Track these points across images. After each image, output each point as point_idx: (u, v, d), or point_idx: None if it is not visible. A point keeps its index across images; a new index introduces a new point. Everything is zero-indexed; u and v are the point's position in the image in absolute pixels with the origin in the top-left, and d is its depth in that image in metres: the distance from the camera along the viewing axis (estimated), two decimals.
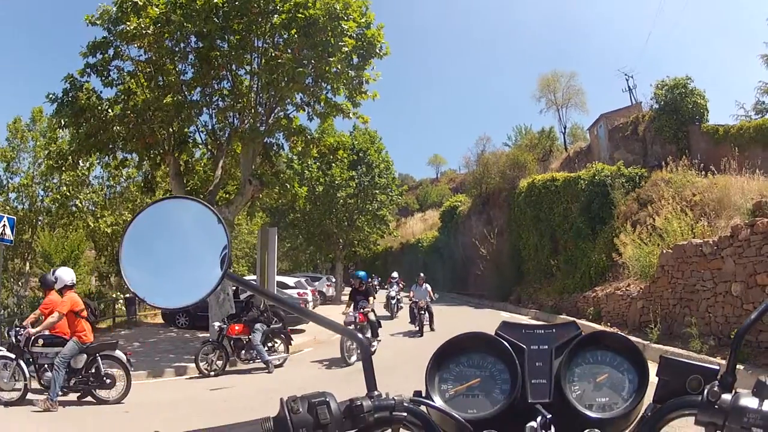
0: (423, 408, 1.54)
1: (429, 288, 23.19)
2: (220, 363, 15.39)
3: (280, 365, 15.84)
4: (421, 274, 25.16)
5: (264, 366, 15.35)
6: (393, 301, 29.23)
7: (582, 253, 25.99)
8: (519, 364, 1.61)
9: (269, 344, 16.04)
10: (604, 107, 68.12)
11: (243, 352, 15.71)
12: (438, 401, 1.61)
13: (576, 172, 30.38)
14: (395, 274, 31.04)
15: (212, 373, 15.14)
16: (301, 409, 1.37)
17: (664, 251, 16.97)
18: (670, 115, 29.42)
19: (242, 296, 16.90)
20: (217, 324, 16.28)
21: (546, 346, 1.66)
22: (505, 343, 1.67)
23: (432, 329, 21.78)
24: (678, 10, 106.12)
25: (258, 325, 15.65)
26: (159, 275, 1.51)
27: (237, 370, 15.64)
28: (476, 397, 1.64)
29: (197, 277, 1.48)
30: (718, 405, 1.37)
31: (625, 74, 42.77)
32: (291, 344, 16.66)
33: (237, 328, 15.67)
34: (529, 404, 1.57)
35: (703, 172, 22.59)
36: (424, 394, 1.61)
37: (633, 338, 14.95)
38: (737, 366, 1.45)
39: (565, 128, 52.53)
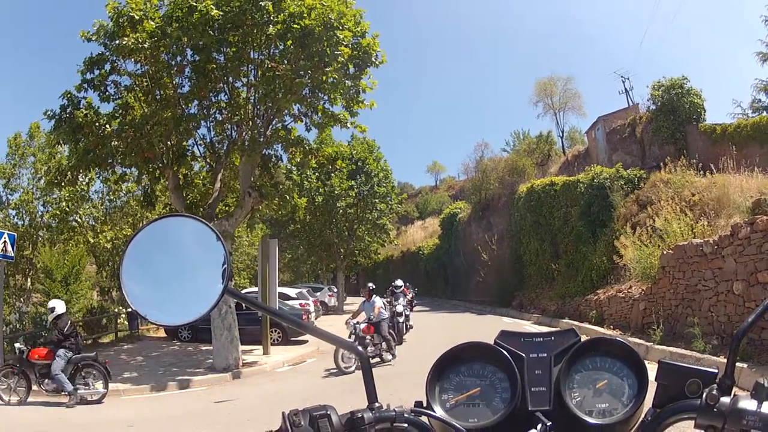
0: (424, 418, 1.55)
1: (380, 303, 17.86)
2: (21, 391, 13.64)
3: (98, 401, 13.68)
4: (370, 285, 19.30)
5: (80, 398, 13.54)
6: (401, 319, 21.61)
7: (583, 257, 25.98)
8: (518, 373, 1.62)
9: (81, 375, 13.80)
10: (601, 110, 68.16)
11: (46, 381, 13.54)
12: (439, 411, 1.62)
13: (575, 175, 30.42)
14: (399, 282, 23.86)
15: (12, 402, 13.45)
16: (302, 423, 1.39)
17: (665, 252, 16.98)
18: (667, 115, 29.42)
19: (50, 316, 14.22)
20: (18, 345, 14.58)
21: (545, 354, 1.66)
22: (505, 352, 1.67)
23: (390, 357, 17.23)
24: (673, 10, 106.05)
25: (61, 351, 13.52)
26: (160, 292, 1.53)
27: (43, 402, 13.63)
28: (477, 406, 1.65)
29: (198, 294, 1.49)
30: (716, 408, 1.38)
31: (622, 76, 42.86)
32: (110, 379, 14.10)
33: (40, 352, 13.73)
34: (530, 412, 1.58)
35: (702, 172, 22.60)
36: (424, 405, 1.62)
37: (636, 340, 15.12)
38: (739, 365, 1.46)
39: (562, 132, 52.52)
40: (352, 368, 15.47)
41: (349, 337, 15.90)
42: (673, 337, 15.26)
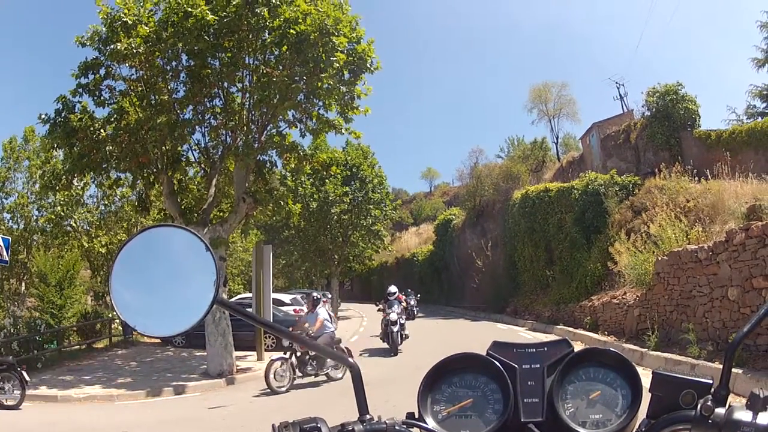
0: (416, 430, 1.54)
1: (324, 316, 16.18)
2: None
3: (14, 407, 13.73)
4: (314, 294, 17.67)
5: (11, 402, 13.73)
6: (395, 328, 20.15)
7: (577, 263, 25.97)
8: (511, 384, 1.61)
9: None
10: (595, 116, 68.45)
11: None
12: (431, 423, 1.61)
13: (569, 182, 30.42)
14: (393, 289, 22.48)
15: None
16: None
17: (660, 258, 16.97)
18: (661, 121, 29.41)
19: None
20: None
21: (538, 365, 1.66)
22: (497, 363, 1.66)
23: (340, 375, 15.56)
24: (667, 16, 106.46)
25: None
26: (149, 302, 1.52)
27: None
28: (469, 417, 1.64)
29: (187, 305, 1.48)
30: (711, 419, 1.37)
31: (616, 82, 43.07)
32: (27, 385, 14.17)
33: None
34: (522, 423, 1.57)
35: (697, 178, 22.59)
36: (416, 416, 1.61)
37: (630, 346, 15.14)
38: (734, 371, 1.45)
39: (557, 138, 52.74)
40: (285, 387, 14.68)
41: (285, 352, 15.14)
42: (668, 343, 15.26)
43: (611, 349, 1.69)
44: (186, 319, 1.47)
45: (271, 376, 14.59)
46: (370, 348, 20.17)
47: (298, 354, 15.08)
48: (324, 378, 15.50)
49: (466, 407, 1.65)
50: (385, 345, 20.48)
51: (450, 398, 1.67)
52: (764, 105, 32.57)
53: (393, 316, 20.28)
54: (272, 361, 14.91)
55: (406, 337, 20.96)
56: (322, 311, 16.20)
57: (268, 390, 14.50)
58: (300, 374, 15.12)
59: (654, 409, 1.48)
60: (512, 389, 1.60)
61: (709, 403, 1.39)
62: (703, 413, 1.38)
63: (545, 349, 1.70)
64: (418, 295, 37.26)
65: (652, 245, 18.85)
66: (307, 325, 15.97)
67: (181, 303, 1.49)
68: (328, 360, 15.28)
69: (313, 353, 15.20)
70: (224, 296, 1.55)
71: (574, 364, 1.63)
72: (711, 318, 13.92)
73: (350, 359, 1.59)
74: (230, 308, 1.62)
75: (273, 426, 1.40)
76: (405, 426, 1.52)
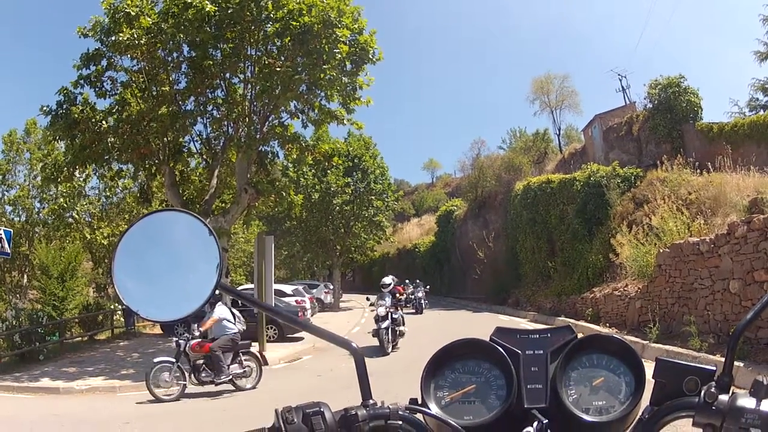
0: (419, 416, 1.54)
1: (221, 314, 14.10)
2: None
3: None
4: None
5: None
6: (383, 325, 17.84)
7: (579, 255, 25.96)
8: (514, 370, 1.60)
9: None
10: (598, 108, 68.15)
11: None
12: (434, 408, 1.60)
13: (571, 173, 30.41)
14: (388, 280, 19.49)
15: None
16: (295, 420, 1.37)
17: (661, 250, 16.97)
18: (664, 114, 29.39)
19: None
20: None
21: (541, 351, 1.65)
22: (500, 348, 1.66)
23: (248, 385, 14.10)
24: (670, 8, 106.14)
25: None
26: (152, 287, 1.52)
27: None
28: (472, 403, 1.63)
29: (190, 289, 1.48)
30: (715, 406, 1.36)
31: (619, 74, 42.81)
32: None
33: None
34: (526, 409, 1.56)
35: (699, 171, 22.56)
36: (419, 402, 1.61)
37: (632, 338, 15.12)
38: (735, 364, 1.45)
39: (559, 130, 52.64)
40: (173, 396, 13.03)
41: (174, 356, 13.35)
42: (669, 335, 15.27)
43: (614, 335, 1.68)
44: (189, 303, 1.47)
45: (152, 382, 12.99)
46: (367, 346, 19.73)
47: (191, 358, 13.46)
48: (229, 386, 13.77)
49: (469, 393, 1.65)
50: (378, 342, 17.98)
51: (453, 384, 1.67)
52: (767, 98, 32.47)
53: (381, 311, 18.01)
54: (155, 364, 13.31)
55: (401, 334, 19.13)
56: (219, 310, 14.07)
57: (153, 399, 12.97)
58: (195, 381, 13.40)
59: (657, 396, 1.47)
60: (515, 375, 1.60)
61: (713, 389, 1.38)
62: (706, 400, 1.38)
63: (548, 335, 1.70)
64: (427, 287, 36.75)
65: (653, 237, 18.83)
66: (195, 325, 14.02)
67: (185, 287, 1.49)
68: (232, 367, 13.69)
69: (212, 359, 13.45)
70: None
71: (578, 350, 1.63)
72: (712, 310, 13.92)
73: (353, 344, 1.59)
74: (233, 293, 1.63)
75: (276, 411, 1.40)
76: (408, 411, 1.52)
